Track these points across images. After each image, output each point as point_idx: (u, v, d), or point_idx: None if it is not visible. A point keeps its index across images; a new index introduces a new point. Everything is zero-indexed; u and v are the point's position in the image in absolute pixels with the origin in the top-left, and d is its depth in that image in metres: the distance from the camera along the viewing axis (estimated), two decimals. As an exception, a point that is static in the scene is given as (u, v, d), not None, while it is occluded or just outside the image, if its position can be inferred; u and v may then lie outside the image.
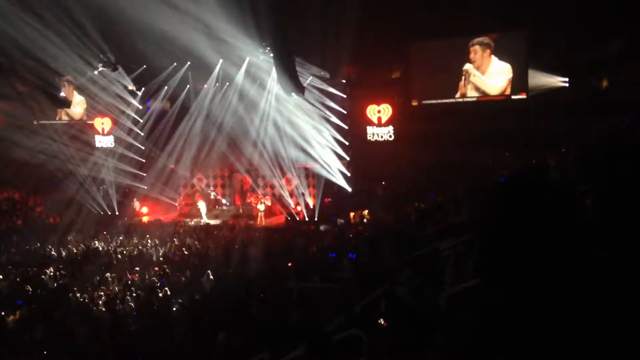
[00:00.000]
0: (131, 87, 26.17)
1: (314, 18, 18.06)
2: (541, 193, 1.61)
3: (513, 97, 21.10)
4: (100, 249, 19.77)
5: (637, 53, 18.01)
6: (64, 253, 19.38)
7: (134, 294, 13.23)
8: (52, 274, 16.28)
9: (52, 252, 19.50)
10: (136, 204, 27.36)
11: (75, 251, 19.66)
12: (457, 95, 21.90)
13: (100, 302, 13.09)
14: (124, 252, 19.05)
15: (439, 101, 22.30)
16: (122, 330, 10.67)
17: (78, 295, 13.46)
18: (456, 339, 1.51)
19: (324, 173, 23.28)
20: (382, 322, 4.53)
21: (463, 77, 21.62)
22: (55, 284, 15.19)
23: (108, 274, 15.78)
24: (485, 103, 21.50)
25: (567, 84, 20.47)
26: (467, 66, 21.46)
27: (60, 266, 17.23)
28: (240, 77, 23.42)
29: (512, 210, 1.61)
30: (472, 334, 1.49)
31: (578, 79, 20.24)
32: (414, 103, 22.78)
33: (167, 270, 15.86)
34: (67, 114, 27.82)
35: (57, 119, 28.02)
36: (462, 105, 21.86)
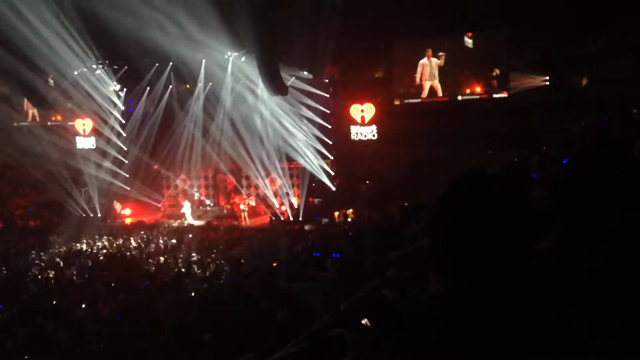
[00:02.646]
0: (113, 87, 25.93)
1: (296, 19, 18.02)
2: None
3: (495, 95, 21.28)
4: (83, 251, 19.56)
5: (617, 51, 18.23)
6: (45, 256, 19.13)
7: (118, 296, 13.12)
8: (33, 277, 16.06)
9: (33, 256, 19.24)
10: (117, 206, 27.09)
11: (57, 254, 19.42)
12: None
13: (83, 305, 12.94)
14: (107, 254, 18.88)
15: (413, 100, 22.53)
16: (105, 333, 10.56)
17: (60, 297, 13.31)
18: (433, 339, 1.49)
19: (309, 168, 23.27)
20: (367, 323, 4.54)
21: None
22: (37, 288, 14.98)
23: (91, 276, 15.63)
24: (469, 102, 21.66)
25: (547, 83, 20.69)
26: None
27: (42, 269, 17.00)
28: (223, 77, 23.31)
29: (470, 210, 1.55)
30: (445, 334, 1.46)
31: (558, 78, 20.46)
32: (397, 102, 22.88)
33: (151, 271, 15.74)
34: (41, 116, 27.62)
35: (30, 120, 27.80)
36: (444, 104, 22.01)
